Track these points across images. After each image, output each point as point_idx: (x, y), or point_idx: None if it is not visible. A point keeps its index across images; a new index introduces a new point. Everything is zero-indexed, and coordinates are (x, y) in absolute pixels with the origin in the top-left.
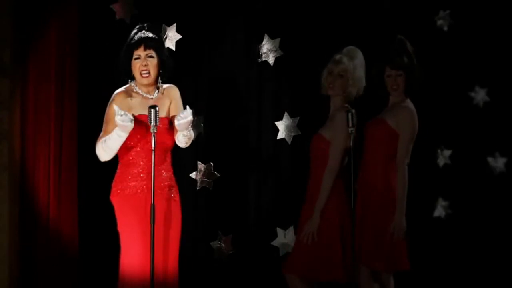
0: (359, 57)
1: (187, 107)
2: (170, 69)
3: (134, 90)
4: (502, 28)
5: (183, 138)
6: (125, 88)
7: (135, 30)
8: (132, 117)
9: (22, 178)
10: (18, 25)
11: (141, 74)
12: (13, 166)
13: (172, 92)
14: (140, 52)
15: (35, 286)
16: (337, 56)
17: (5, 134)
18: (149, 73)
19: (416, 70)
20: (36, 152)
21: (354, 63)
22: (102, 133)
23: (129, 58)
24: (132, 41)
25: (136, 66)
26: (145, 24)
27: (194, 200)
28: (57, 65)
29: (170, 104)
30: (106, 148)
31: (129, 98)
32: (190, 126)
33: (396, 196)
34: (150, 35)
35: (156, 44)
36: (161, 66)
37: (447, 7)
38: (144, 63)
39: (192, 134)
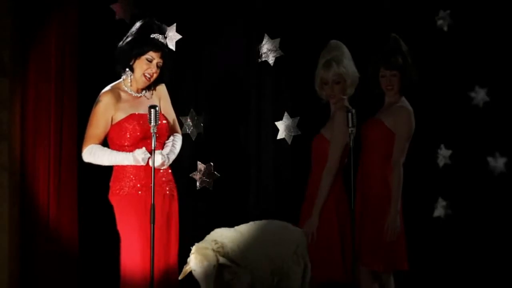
0: (346, 53)
1: (157, 152)
2: (166, 81)
3: (123, 88)
4: (502, 28)
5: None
6: (111, 87)
7: (150, 26)
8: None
9: (22, 178)
10: (18, 25)
11: (144, 75)
12: (13, 166)
13: (160, 90)
14: (155, 56)
15: (35, 286)
16: (325, 61)
17: (5, 134)
18: (151, 78)
19: (410, 69)
20: (36, 152)
21: (343, 64)
22: (89, 138)
23: (140, 53)
24: (150, 41)
25: (143, 66)
26: (163, 26)
27: (194, 200)
28: (57, 65)
29: (159, 102)
30: (100, 161)
31: (116, 98)
32: (165, 164)
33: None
34: (166, 43)
35: (167, 55)
36: (161, 74)
37: (447, 7)
38: (154, 70)
39: (174, 156)
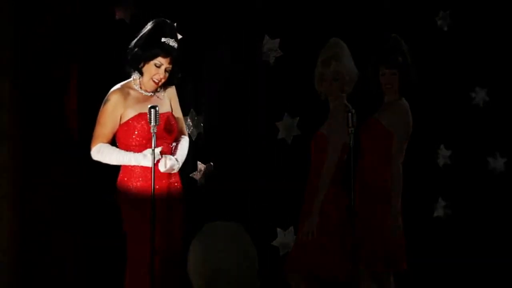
0: (345, 51)
1: (169, 157)
2: (176, 83)
3: (133, 87)
4: (502, 28)
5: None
6: (120, 86)
7: (162, 29)
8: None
9: (22, 178)
10: (18, 25)
11: (152, 80)
12: (13, 166)
13: (170, 91)
14: (164, 61)
15: (35, 286)
16: (324, 58)
17: (5, 134)
18: (159, 83)
19: (410, 69)
20: (36, 152)
21: (343, 61)
22: (97, 137)
23: (149, 58)
24: (161, 46)
25: (152, 71)
26: (175, 29)
27: (194, 200)
28: (57, 65)
29: (170, 102)
30: (108, 160)
31: (125, 96)
32: (175, 167)
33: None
34: (176, 46)
35: (178, 59)
36: (170, 77)
37: (447, 7)
38: (162, 76)
39: (183, 158)
